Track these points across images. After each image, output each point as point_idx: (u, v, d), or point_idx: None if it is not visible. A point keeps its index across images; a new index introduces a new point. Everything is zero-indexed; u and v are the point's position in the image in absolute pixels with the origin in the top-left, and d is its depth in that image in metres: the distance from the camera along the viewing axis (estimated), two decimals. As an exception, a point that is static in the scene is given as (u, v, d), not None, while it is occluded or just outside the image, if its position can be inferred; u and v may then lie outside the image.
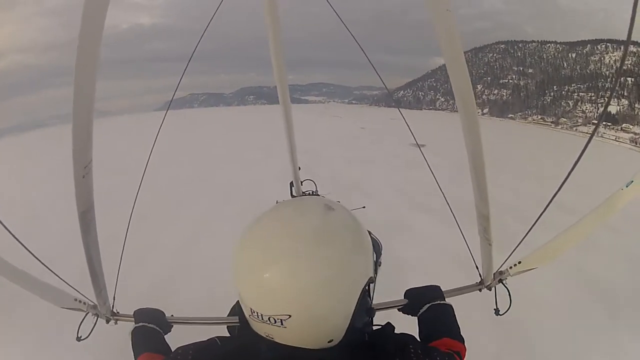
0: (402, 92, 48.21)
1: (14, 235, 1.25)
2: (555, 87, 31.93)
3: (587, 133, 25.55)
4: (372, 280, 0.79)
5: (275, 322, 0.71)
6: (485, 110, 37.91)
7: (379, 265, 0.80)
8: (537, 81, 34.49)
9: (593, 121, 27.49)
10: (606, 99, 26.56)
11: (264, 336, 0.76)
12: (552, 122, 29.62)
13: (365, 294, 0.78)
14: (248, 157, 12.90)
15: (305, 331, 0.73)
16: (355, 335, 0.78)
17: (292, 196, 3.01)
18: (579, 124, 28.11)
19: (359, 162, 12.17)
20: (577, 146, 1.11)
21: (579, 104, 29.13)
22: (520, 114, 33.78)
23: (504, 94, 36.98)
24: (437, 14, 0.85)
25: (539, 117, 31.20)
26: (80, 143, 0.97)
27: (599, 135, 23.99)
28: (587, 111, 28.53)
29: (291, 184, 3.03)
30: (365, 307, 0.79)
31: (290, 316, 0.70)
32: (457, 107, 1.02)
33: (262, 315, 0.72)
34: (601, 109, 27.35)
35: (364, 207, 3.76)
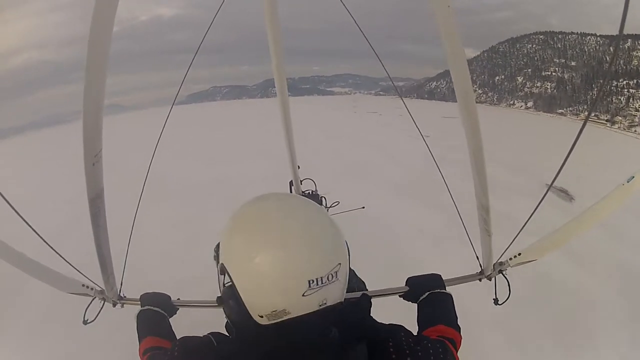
0: (434, 83, 47.74)
1: (29, 225, 1.36)
2: (602, 81, 30.42)
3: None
4: None
5: (333, 277, 0.80)
6: (530, 104, 36.46)
7: None
8: (582, 74, 33.02)
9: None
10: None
11: (318, 306, 0.80)
12: (607, 121, 27.62)
13: None
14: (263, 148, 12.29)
15: (345, 277, 0.85)
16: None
17: None
18: (636, 123, 26.47)
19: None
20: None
21: (631, 100, 27.60)
22: (570, 109, 32.08)
23: (548, 86, 35.58)
24: (439, 9, 0.90)
25: (593, 115, 29.40)
26: (90, 132, 1.06)
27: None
28: (640, 109, 26.99)
29: (291, 183, 3.10)
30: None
31: (340, 264, 0.81)
32: (457, 99, 1.07)
33: (321, 279, 0.78)
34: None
35: (363, 207, 3.80)
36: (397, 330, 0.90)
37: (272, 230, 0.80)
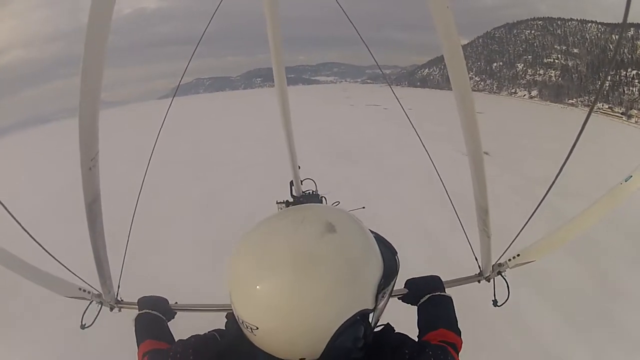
0: (426, 70, 48.07)
1: (23, 228, 1.39)
2: (604, 73, 30.45)
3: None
4: (368, 312, 0.81)
5: (247, 327, 0.81)
6: (534, 93, 36.12)
7: (389, 290, 0.77)
8: (587, 63, 33.05)
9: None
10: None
11: (253, 344, 0.84)
12: (622, 114, 27.17)
13: (355, 324, 0.80)
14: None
15: (273, 344, 0.81)
16: (337, 355, 0.81)
17: (292, 196, 3.15)
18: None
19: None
20: None
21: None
22: (581, 100, 31.53)
23: (552, 74, 35.46)
24: (437, 10, 0.95)
25: (607, 107, 28.28)
26: (86, 136, 1.11)
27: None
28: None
29: (291, 183, 3.14)
30: (353, 335, 0.81)
31: (257, 328, 0.79)
32: (455, 101, 1.11)
33: (238, 316, 0.83)
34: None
35: (363, 207, 3.83)
36: (401, 342, 0.95)
37: (250, 254, 0.83)
